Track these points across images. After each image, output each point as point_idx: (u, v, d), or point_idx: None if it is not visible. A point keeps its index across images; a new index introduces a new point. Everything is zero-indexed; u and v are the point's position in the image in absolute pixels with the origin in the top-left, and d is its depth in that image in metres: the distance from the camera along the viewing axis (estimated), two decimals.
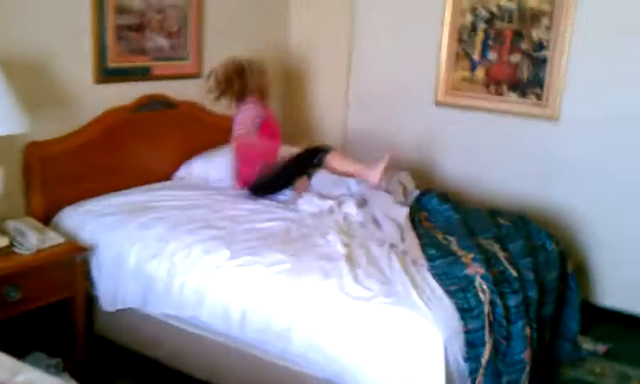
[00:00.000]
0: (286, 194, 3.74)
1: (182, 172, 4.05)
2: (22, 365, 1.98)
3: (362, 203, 3.62)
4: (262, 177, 3.65)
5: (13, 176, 3.18)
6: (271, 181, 3.66)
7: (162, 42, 3.91)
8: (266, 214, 3.53)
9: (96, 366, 3.21)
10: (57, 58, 3.36)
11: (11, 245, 2.97)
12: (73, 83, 3.47)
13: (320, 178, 4.07)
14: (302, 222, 3.44)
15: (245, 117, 3.65)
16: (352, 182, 4.05)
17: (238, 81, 3.75)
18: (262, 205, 3.63)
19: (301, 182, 3.68)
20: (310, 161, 3.63)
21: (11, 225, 3.06)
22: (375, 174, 3.50)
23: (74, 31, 3.45)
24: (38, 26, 3.26)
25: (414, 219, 3.37)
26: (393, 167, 4.12)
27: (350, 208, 3.53)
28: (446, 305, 2.59)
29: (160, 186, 3.83)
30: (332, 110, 4.94)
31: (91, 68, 3.55)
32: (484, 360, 2.57)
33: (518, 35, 4.07)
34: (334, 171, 3.62)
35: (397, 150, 4.48)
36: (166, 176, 4.00)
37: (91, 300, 3.25)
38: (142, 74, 3.84)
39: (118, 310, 3.20)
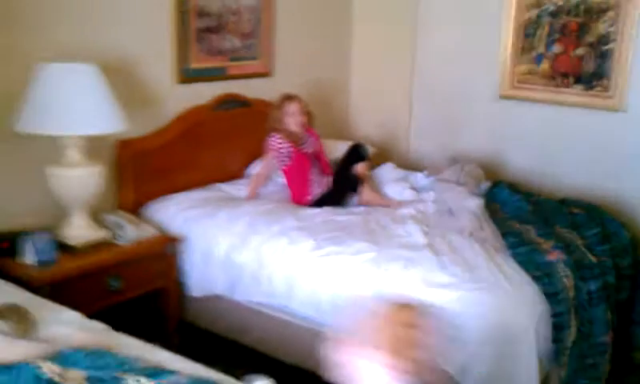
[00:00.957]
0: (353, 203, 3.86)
1: (253, 169, 4.19)
2: (150, 346, 2.14)
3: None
4: (321, 195, 3.81)
5: (105, 172, 3.36)
6: (329, 197, 3.80)
7: (236, 42, 4.08)
8: (338, 208, 3.70)
9: (186, 352, 3.37)
10: (143, 61, 3.55)
11: (111, 237, 3.16)
12: (157, 84, 3.66)
13: (384, 174, 4.20)
14: (377, 213, 3.58)
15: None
16: (419, 175, 4.18)
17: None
18: None
19: (365, 195, 3.81)
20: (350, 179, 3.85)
21: (110, 218, 3.25)
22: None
23: (159, 35, 3.64)
24: (128, 32, 3.45)
25: (488, 209, 3.48)
26: (459, 161, 4.24)
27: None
28: (533, 290, 2.70)
29: (239, 182, 4.01)
30: (396, 106, 5.05)
31: (174, 69, 3.73)
32: (569, 342, 2.68)
33: (584, 28, 4.14)
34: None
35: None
36: (240, 172, 4.16)
37: (180, 288, 3.42)
38: (219, 74, 4.01)
39: (206, 298, 3.37)
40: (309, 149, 3.92)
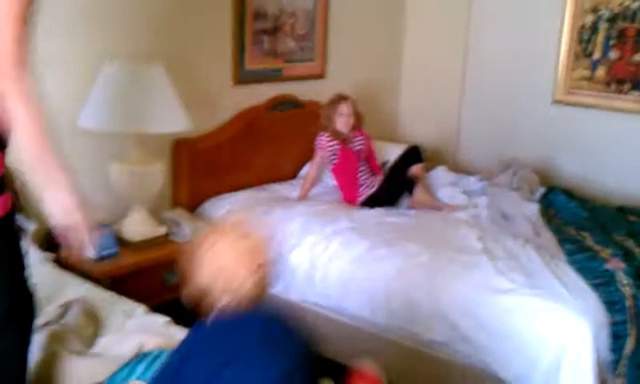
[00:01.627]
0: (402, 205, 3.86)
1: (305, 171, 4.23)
2: None
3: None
4: (372, 195, 3.82)
5: (164, 169, 3.43)
6: (381, 197, 3.81)
7: (292, 44, 4.12)
8: (390, 210, 3.71)
9: None
10: (202, 62, 3.62)
11: (167, 234, 3.23)
12: (215, 84, 3.73)
13: (436, 177, 4.19)
14: (430, 216, 3.58)
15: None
16: (472, 179, 4.16)
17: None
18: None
19: (419, 197, 3.80)
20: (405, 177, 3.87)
21: (167, 215, 3.32)
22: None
23: (219, 37, 3.71)
24: (191, 33, 3.54)
25: (544, 215, 3.46)
26: (512, 165, 4.21)
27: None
28: (591, 297, 2.68)
29: (292, 183, 4.06)
30: (446, 108, 5.04)
31: (231, 71, 3.79)
32: (627, 351, 2.65)
33: None
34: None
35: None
36: (293, 173, 4.20)
37: None
38: (274, 76, 4.06)
39: None
40: (356, 147, 3.94)
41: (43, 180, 1.60)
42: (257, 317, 1.61)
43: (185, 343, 1.62)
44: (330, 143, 3.84)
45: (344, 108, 3.88)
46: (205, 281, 1.59)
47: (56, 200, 1.62)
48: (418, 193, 3.77)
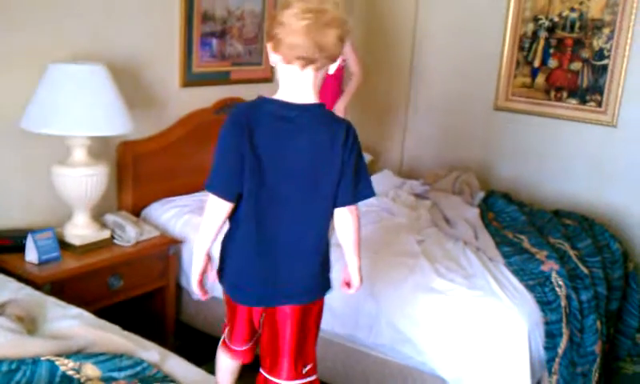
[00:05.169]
0: None
1: None
2: (166, 352, 2.15)
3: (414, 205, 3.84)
4: None
5: (108, 172, 3.40)
6: None
7: (239, 48, 4.13)
8: None
9: (183, 351, 3.41)
10: (149, 64, 3.60)
11: (112, 237, 3.20)
12: (162, 87, 3.71)
13: (383, 180, 4.25)
14: (370, 219, 3.63)
15: None
16: (415, 183, 4.24)
17: None
18: None
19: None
20: None
21: (110, 218, 3.29)
22: None
23: (165, 39, 3.69)
24: (135, 36, 3.50)
25: (484, 219, 3.55)
26: (456, 169, 4.31)
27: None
28: (527, 298, 2.78)
29: None
30: (393, 115, 5.12)
31: (178, 73, 3.78)
32: (561, 350, 2.76)
33: (579, 44, 4.23)
34: None
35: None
36: None
37: (178, 289, 3.47)
38: (222, 79, 4.07)
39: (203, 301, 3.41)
40: None
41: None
42: None
43: None
44: None
45: None
46: None
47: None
48: None
